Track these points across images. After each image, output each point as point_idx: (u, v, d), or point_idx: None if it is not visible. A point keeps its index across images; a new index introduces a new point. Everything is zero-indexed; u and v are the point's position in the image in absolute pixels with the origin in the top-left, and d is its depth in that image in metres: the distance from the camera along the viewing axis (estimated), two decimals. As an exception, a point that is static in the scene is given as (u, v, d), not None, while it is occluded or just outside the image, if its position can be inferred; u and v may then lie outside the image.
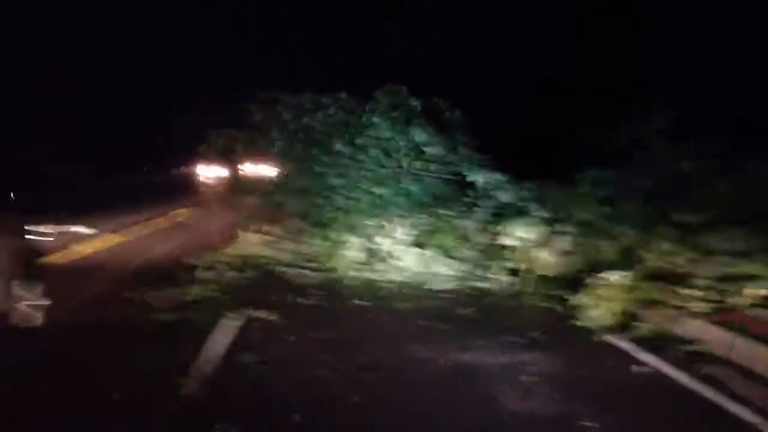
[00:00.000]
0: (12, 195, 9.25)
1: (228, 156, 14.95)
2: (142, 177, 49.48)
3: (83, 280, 10.91)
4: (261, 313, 8.52)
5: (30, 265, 7.90)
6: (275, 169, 13.09)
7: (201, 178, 18.90)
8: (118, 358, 6.67)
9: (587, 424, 5.18)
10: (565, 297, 9.06)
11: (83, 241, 14.59)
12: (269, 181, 13.25)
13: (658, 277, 8.78)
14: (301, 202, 12.57)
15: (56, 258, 12.58)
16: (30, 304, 7.70)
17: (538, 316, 8.92)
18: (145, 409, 5.43)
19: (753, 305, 7.89)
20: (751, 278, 8.39)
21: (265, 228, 14.56)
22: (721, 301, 8.10)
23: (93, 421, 5.23)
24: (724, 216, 8.94)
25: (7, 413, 5.34)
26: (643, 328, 7.74)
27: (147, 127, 51.73)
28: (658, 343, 7.42)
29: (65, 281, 10.97)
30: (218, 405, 5.58)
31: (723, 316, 7.68)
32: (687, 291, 8.39)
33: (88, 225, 16.88)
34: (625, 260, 9.33)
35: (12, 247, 7.71)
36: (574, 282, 9.43)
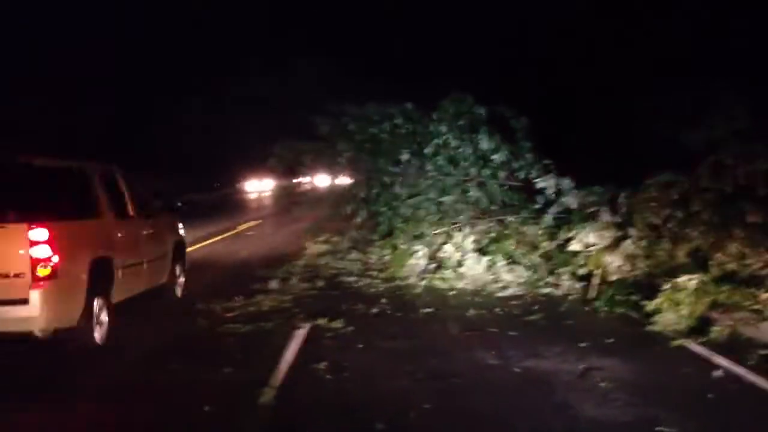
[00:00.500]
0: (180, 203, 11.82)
1: (296, 169, 15.22)
2: (214, 192, 50.90)
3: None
4: (333, 323, 8.68)
5: (182, 252, 11.15)
6: (343, 180, 13.24)
7: (271, 191, 18.93)
8: (202, 371, 6.88)
9: (667, 430, 5.10)
10: (638, 302, 8.91)
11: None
12: (337, 192, 13.40)
13: (732, 280, 8.59)
14: (368, 213, 12.68)
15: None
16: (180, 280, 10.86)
17: (610, 322, 8.81)
18: (230, 420, 5.58)
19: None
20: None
21: (334, 239, 14.78)
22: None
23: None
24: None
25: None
26: (719, 332, 7.55)
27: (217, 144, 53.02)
28: (735, 347, 7.24)
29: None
30: (297, 414, 5.70)
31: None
32: (763, 293, 8.19)
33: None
34: (698, 263, 9.14)
35: (174, 239, 10.68)
36: (646, 287, 9.29)
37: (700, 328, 7.86)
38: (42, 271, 6.78)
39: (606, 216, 10.46)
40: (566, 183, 11.23)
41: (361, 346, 7.79)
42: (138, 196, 9.30)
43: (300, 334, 8.28)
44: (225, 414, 5.70)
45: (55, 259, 6.85)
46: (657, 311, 8.19)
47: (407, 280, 11.70)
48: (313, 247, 14.79)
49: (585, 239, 10.43)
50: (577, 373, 6.62)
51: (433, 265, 11.98)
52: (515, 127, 12.25)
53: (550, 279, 10.99)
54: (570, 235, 10.74)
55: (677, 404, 5.73)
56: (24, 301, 6.74)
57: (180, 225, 11.17)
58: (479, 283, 11.18)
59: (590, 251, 10.33)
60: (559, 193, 11.27)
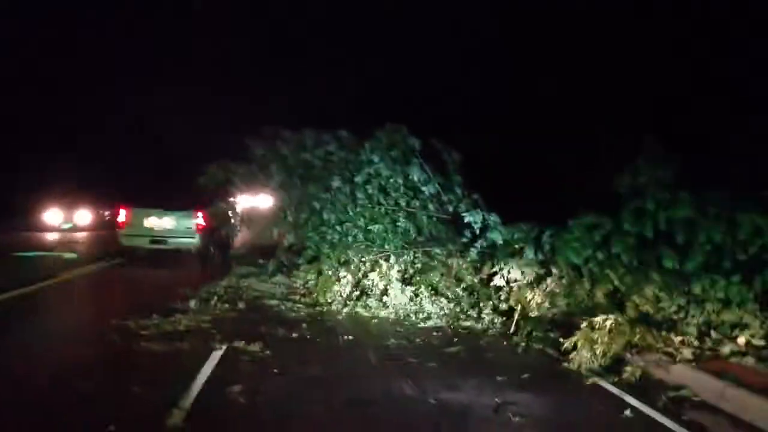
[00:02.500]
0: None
1: (226, 189, 15.04)
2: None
3: (74, 304, 10.93)
4: (250, 346, 8.51)
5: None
6: (272, 203, 13.11)
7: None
8: (111, 389, 6.65)
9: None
10: (556, 339, 9.03)
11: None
12: (265, 216, 13.27)
13: (647, 322, 8.82)
14: (296, 237, 12.59)
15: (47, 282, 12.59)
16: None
17: (528, 358, 8.90)
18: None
19: (739, 353, 7.91)
20: (738, 326, 8.44)
21: (259, 261, 14.61)
22: (710, 348, 8.12)
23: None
24: (713, 264, 8.99)
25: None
26: (632, 372, 7.71)
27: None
28: (645, 388, 7.40)
29: (57, 306, 11.02)
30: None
31: (711, 363, 7.68)
32: (675, 336, 8.43)
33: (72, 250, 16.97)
34: (615, 304, 9.36)
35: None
36: (565, 324, 9.44)
37: (613, 367, 8.02)
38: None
39: (530, 253, 10.62)
40: (493, 218, 11.37)
41: (277, 370, 7.65)
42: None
43: (216, 356, 8.07)
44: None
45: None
46: (573, 349, 8.32)
47: (330, 306, 11.63)
48: (239, 269, 14.60)
49: (508, 275, 10.57)
50: (491, 407, 6.64)
51: (357, 293, 11.94)
52: (447, 160, 12.36)
53: (473, 312, 11.08)
54: (494, 270, 10.87)
55: (587, 442, 5.81)
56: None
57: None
58: (402, 313, 11.19)
59: (513, 287, 10.47)
60: (485, 228, 11.39)
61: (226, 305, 11.24)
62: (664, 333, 8.48)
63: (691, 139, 12.11)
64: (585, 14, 17.40)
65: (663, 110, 14.28)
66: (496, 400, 6.85)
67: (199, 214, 16.62)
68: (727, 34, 13.93)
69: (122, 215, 16.91)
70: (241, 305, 11.37)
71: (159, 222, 16.79)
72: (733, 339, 8.18)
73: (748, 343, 8.08)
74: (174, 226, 16.76)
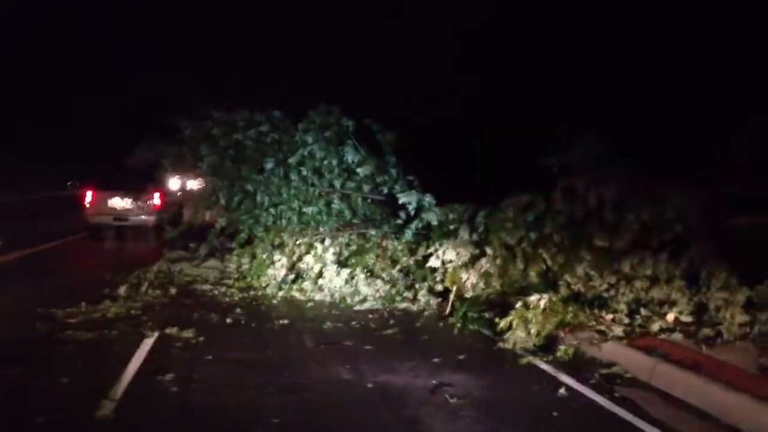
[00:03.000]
0: None
1: (156, 171, 14.66)
2: (65, 192, 48.51)
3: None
4: (183, 333, 8.36)
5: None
6: (204, 185, 12.81)
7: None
8: (37, 380, 6.44)
9: (510, 446, 5.20)
10: (491, 319, 9.10)
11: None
12: (197, 198, 12.96)
13: (579, 300, 8.97)
14: (229, 220, 12.36)
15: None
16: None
17: (464, 338, 8.95)
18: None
19: (668, 330, 8.12)
20: (666, 303, 8.65)
21: (192, 245, 14.32)
22: (639, 325, 8.30)
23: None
24: (642, 242, 9.18)
25: None
26: (565, 350, 7.83)
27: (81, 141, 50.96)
28: (579, 366, 7.52)
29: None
30: (138, 428, 5.44)
31: (641, 340, 7.85)
32: (606, 314, 8.60)
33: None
34: (548, 284, 9.48)
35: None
36: (499, 305, 9.52)
37: (548, 346, 8.13)
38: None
39: (464, 234, 10.64)
40: (428, 199, 11.35)
41: (210, 357, 7.51)
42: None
43: (147, 344, 7.88)
44: (59, 427, 5.36)
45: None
46: (508, 329, 8.39)
47: (265, 290, 11.48)
48: (171, 254, 14.29)
49: (443, 256, 10.58)
50: (428, 389, 6.65)
51: (292, 276, 11.82)
52: (381, 141, 12.27)
53: (408, 294, 11.09)
54: (429, 251, 10.86)
55: (524, 421, 5.88)
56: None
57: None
58: (338, 296, 11.12)
59: (448, 268, 10.50)
60: (420, 209, 11.37)
61: (157, 291, 10.97)
62: (595, 311, 8.65)
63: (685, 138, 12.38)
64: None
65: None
66: (433, 381, 6.87)
67: (156, 195, 18.48)
68: (727, 34, 14.13)
69: (89, 196, 18.90)
70: (172, 290, 11.11)
71: (121, 203, 18.81)
72: (662, 316, 8.37)
73: (676, 319, 8.28)
74: (133, 206, 18.82)
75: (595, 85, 15.06)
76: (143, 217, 18.81)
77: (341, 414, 5.94)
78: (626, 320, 8.44)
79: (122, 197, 18.69)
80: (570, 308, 8.54)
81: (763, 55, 12.69)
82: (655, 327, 8.14)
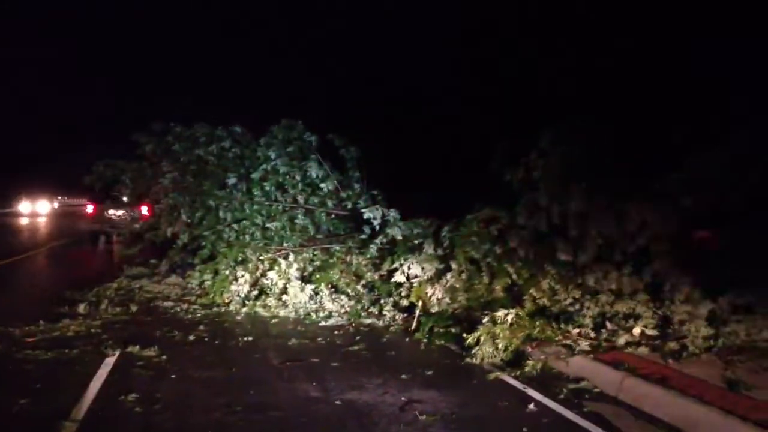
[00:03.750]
0: None
1: (115, 189, 14.46)
2: (11, 210, 47.70)
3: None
4: (145, 351, 8.21)
5: None
6: (165, 202, 12.61)
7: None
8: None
9: (483, 463, 5.16)
10: (458, 334, 9.09)
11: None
12: (157, 215, 12.76)
13: (544, 315, 8.99)
14: (191, 236, 12.19)
15: None
16: None
17: (431, 354, 8.90)
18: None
19: (634, 343, 8.17)
20: (631, 317, 8.71)
21: (152, 262, 14.11)
22: (605, 339, 8.34)
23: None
24: (605, 256, 9.25)
25: None
26: (533, 365, 7.83)
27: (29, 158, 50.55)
28: (546, 381, 7.52)
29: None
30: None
31: (607, 354, 7.89)
32: (572, 328, 8.63)
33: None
34: (514, 298, 9.50)
35: None
36: (465, 319, 9.52)
37: (515, 361, 8.12)
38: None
39: (429, 249, 10.63)
40: (393, 214, 11.33)
41: (174, 376, 7.37)
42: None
43: (108, 363, 7.72)
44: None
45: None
46: (476, 344, 8.38)
47: (228, 307, 11.34)
48: (131, 270, 14.06)
49: (408, 271, 10.56)
50: (398, 406, 6.58)
51: (256, 292, 11.69)
52: (345, 156, 12.26)
53: (374, 309, 11.04)
54: (394, 266, 10.83)
55: (493, 437, 5.84)
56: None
57: None
58: (302, 312, 11.02)
59: (413, 283, 10.47)
60: (385, 224, 11.35)
61: (118, 308, 10.79)
62: (562, 325, 8.67)
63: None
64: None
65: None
66: (402, 398, 6.81)
67: (144, 207, 19.07)
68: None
69: (90, 208, 25.31)
70: (133, 308, 10.93)
71: (116, 212, 23.22)
72: (628, 329, 8.42)
73: (642, 333, 8.33)
74: (126, 216, 22.15)
75: (559, 93, 15.16)
76: (135, 225, 19.75)
77: (310, 433, 5.86)
78: (592, 334, 8.47)
79: (117, 209, 22.90)
80: (537, 323, 8.56)
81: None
82: (622, 341, 8.18)
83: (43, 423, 5.71)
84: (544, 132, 10.26)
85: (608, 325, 8.63)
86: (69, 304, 10.78)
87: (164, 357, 8.08)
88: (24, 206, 53.49)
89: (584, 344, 8.18)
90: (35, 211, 52.02)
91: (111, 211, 23.57)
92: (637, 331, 8.37)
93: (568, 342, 8.30)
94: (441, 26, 19.43)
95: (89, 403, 6.30)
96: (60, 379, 7.05)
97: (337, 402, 6.67)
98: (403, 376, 7.61)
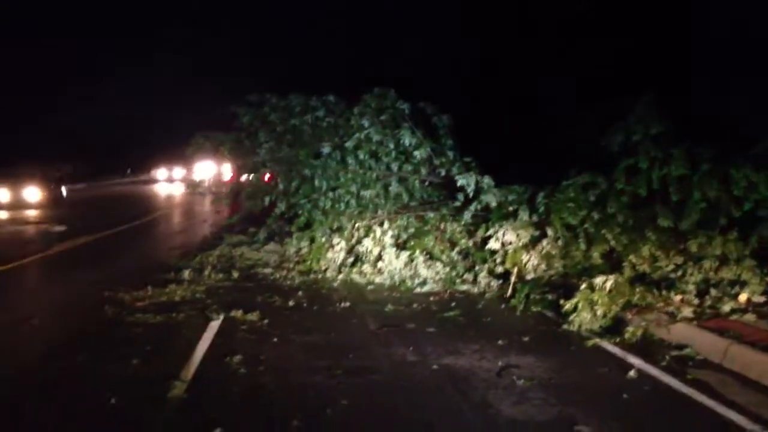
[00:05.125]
0: None
1: (215, 158, 14.85)
2: (125, 180, 50.18)
3: (64, 277, 10.86)
4: (247, 316, 8.48)
5: None
6: (262, 171, 12.91)
7: (189, 181, 23.67)
8: (109, 362, 6.62)
9: (584, 429, 5.14)
10: (554, 301, 9.00)
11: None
12: (255, 184, 13.08)
13: (645, 281, 8.79)
14: (287, 205, 12.44)
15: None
16: None
17: (527, 321, 8.85)
18: (138, 413, 5.36)
19: (740, 310, 7.90)
20: (737, 283, 8.43)
21: (251, 230, 14.49)
22: (710, 306, 8.10)
23: (93, 426, 5.18)
24: (709, 221, 8.96)
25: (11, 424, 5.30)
26: (633, 332, 7.67)
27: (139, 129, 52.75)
28: (647, 348, 7.37)
29: (50, 279, 10.91)
30: (209, 409, 5.49)
31: (711, 321, 7.66)
32: (673, 295, 8.41)
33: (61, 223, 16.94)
34: (612, 264, 9.33)
35: None
36: (561, 286, 9.41)
37: (614, 328, 7.99)
38: None
39: (524, 215, 10.54)
40: (486, 181, 11.24)
41: (276, 339, 7.61)
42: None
43: (213, 326, 8.04)
44: (132, 407, 5.48)
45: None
46: (573, 310, 8.28)
47: (325, 274, 11.56)
48: (231, 238, 14.50)
49: (503, 238, 10.50)
50: (495, 371, 6.61)
51: (351, 259, 11.86)
52: (438, 124, 12.21)
53: (468, 276, 11.01)
54: (488, 233, 10.79)
55: (594, 404, 5.78)
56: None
57: None
58: (397, 279, 11.11)
59: (508, 250, 10.41)
60: (479, 191, 11.28)
61: (220, 275, 11.17)
62: (663, 292, 8.47)
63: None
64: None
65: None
66: (499, 363, 6.82)
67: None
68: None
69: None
70: (235, 274, 11.30)
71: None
72: (733, 296, 8.15)
73: (748, 300, 8.05)
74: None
75: (654, 59, 14.71)
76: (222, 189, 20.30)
77: (409, 396, 5.94)
78: (695, 301, 8.24)
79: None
80: (637, 289, 8.38)
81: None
82: (726, 308, 7.93)
83: (154, 383, 5.99)
84: (644, 95, 9.97)
85: (712, 291, 8.38)
86: (175, 270, 11.22)
87: (266, 321, 8.34)
88: (161, 173, 56.75)
89: (687, 311, 7.94)
90: (172, 177, 55.06)
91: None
92: (743, 297, 8.10)
93: (670, 309, 8.09)
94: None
95: (197, 365, 6.59)
96: (168, 342, 7.39)
97: (435, 367, 6.75)
98: (500, 342, 7.62)
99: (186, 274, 10.92)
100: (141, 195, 38.11)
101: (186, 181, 30.17)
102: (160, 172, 59.50)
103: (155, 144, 56.31)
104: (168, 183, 53.53)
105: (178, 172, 55.46)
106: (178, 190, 41.19)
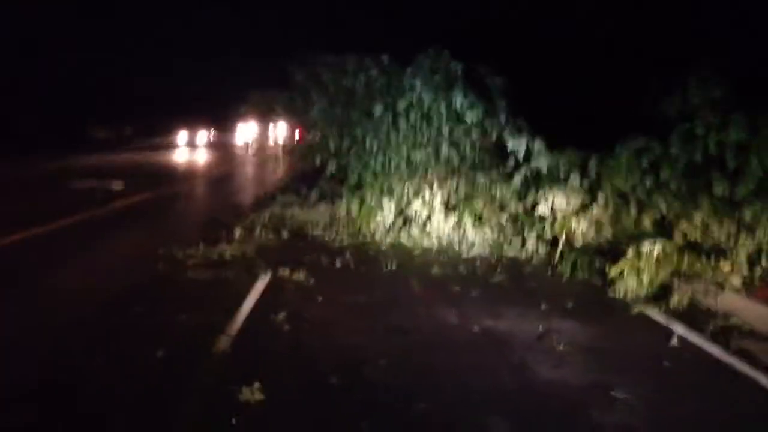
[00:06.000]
0: None
1: (268, 117, 14.99)
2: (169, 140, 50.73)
3: (124, 232, 11.18)
4: (294, 275, 8.59)
5: None
6: (315, 131, 12.98)
7: (240, 139, 22.99)
8: (158, 316, 6.82)
9: (620, 395, 5.13)
10: (601, 268, 8.91)
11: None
12: (308, 143, 13.17)
13: (695, 249, 8.62)
14: (338, 165, 12.50)
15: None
16: None
17: (573, 287, 8.81)
18: (183, 366, 5.52)
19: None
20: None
21: (302, 190, 14.63)
22: (760, 277, 7.91)
23: (139, 377, 5.34)
24: (765, 190, 8.71)
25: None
26: (679, 300, 7.58)
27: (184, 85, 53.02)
28: (693, 316, 7.28)
29: (107, 235, 11.23)
30: (252, 363, 5.62)
31: (761, 291, 7.50)
32: (724, 264, 8.22)
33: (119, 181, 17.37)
34: (663, 231, 9.16)
35: None
36: (610, 253, 9.29)
37: (661, 295, 7.90)
38: None
39: (575, 181, 10.40)
40: (538, 145, 11.11)
41: (321, 298, 7.73)
42: None
43: (260, 284, 8.19)
44: (178, 360, 5.64)
45: None
46: (619, 277, 8.20)
47: (373, 236, 11.62)
48: (283, 198, 14.67)
49: (553, 203, 10.39)
50: (536, 335, 6.62)
51: (400, 222, 11.89)
52: (490, 86, 12.06)
53: (516, 241, 10.95)
54: (538, 198, 10.69)
55: (632, 370, 5.76)
56: None
57: None
58: (445, 242, 11.13)
59: (557, 215, 10.31)
60: (529, 155, 11.16)
61: (270, 234, 11.34)
62: (712, 261, 8.30)
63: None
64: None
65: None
66: (540, 328, 6.83)
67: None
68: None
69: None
70: (284, 234, 11.46)
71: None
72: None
73: (801, 271, 7.85)
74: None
75: (710, 24, 14.25)
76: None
77: (447, 356, 6.01)
78: (745, 271, 8.06)
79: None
80: (685, 257, 8.23)
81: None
82: (778, 278, 7.76)
83: (200, 336, 6.16)
84: (704, 59, 9.68)
85: (763, 261, 8.17)
86: (226, 228, 11.43)
87: (312, 281, 8.46)
88: (181, 137, 56.39)
89: (736, 280, 7.79)
90: (193, 141, 54.68)
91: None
92: (794, 268, 7.89)
93: (718, 278, 7.93)
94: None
95: (242, 320, 6.75)
96: (216, 298, 7.57)
97: (475, 329, 6.79)
98: (543, 307, 7.61)
99: (237, 232, 11.11)
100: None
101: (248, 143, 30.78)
102: (181, 135, 57.30)
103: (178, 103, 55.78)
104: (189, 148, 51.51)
105: (202, 135, 55.04)
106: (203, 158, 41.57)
